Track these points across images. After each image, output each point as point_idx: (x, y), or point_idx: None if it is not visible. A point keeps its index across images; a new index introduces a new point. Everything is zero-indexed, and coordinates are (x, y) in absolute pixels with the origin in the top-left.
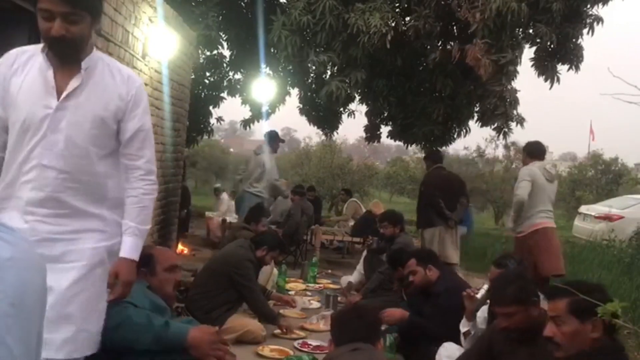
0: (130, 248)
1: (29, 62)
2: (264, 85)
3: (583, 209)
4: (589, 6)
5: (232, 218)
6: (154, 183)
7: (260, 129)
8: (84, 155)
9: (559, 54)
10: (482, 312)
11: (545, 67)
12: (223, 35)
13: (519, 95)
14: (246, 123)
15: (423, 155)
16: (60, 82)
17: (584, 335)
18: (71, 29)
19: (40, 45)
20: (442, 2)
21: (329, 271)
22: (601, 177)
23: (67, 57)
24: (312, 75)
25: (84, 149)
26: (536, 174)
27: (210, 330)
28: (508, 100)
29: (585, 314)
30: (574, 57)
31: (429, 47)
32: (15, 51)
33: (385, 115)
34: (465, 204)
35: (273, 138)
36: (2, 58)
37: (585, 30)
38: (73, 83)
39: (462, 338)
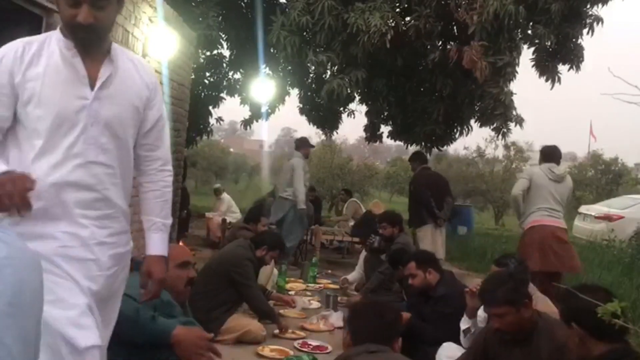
0: (159, 244)
1: (42, 51)
2: (263, 85)
3: (583, 209)
4: (588, 6)
5: (232, 218)
6: (172, 173)
7: (260, 129)
8: (124, 146)
9: (559, 54)
10: (483, 311)
11: (546, 68)
12: (223, 35)
13: (520, 95)
14: (246, 123)
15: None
16: (90, 71)
17: (573, 338)
18: (99, 15)
19: (46, 34)
20: (443, 2)
21: (329, 271)
22: (601, 177)
23: (92, 45)
24: (311, 75)
25: (124, 140)
26: (536, 173)
27: (197, 332)
28: (504, 101)
29: (569, 321)
30: (574, 57)
31: (429, 47)
32: (19, 43)
33: (385, 115)
34: (451, 203)
35: (302, 143)
36: (1, 52)
37: (585, 31)
38: (105, 71)
39: (461, 336)
